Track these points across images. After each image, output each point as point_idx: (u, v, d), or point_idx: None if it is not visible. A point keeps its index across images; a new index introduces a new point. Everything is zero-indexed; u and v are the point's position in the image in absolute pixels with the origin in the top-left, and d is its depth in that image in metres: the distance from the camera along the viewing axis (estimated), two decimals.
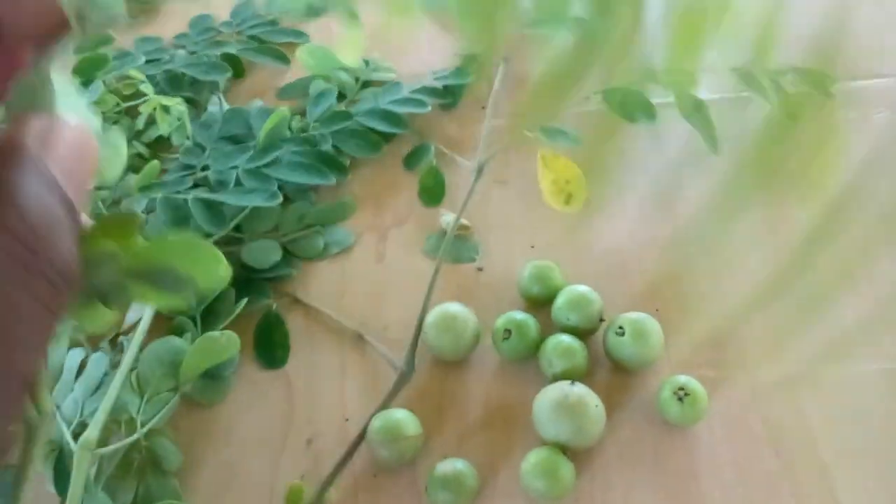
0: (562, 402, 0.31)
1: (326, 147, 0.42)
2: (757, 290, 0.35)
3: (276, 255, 0.38)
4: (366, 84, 0.47)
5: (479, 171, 0.39)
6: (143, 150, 0.44)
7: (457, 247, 0.39)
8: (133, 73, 0.45)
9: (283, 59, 0.49)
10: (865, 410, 0.32)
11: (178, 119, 0.42)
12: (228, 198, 0.38)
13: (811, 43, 0.41)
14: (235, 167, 0.40)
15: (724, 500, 0.31)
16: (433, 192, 0.42)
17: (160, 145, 0.44)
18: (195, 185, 0.40)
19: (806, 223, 0.38)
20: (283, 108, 0.42)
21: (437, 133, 0.45)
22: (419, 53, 0.49)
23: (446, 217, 0.40)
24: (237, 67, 0.49)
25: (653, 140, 0.43)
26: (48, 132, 0.18)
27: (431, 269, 0.37)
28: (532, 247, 0.39)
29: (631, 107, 0.35)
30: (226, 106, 0.45)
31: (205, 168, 0.41)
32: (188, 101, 0.45)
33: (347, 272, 0.39)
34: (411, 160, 0.43)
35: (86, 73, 0.44)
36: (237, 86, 0.49)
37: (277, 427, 0.34)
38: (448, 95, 0.46)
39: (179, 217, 0.38)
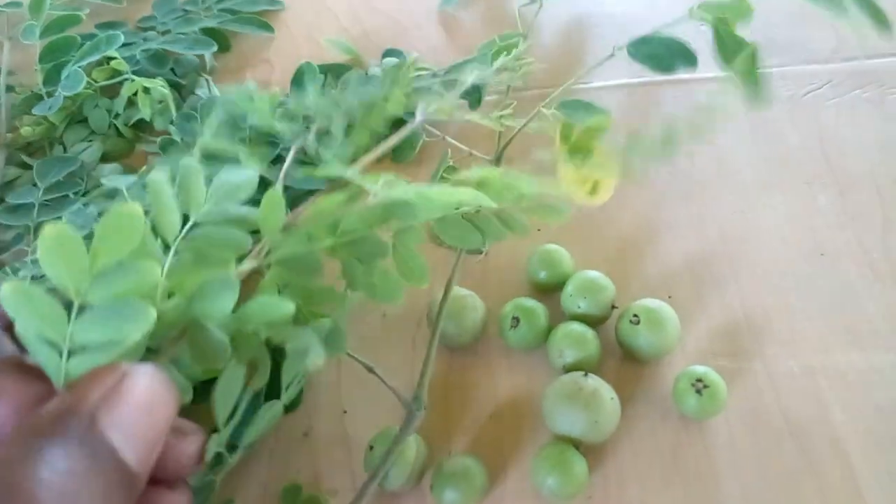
0: (576, 395, 0.29)
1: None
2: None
3: None
4: None
5: (498, 161, 0.36)
6: (125, 131, 0.41)
7: (462, 232, 0.37)
8: (111, 52, 0.41)
9: (267, 27, 0.47)
10: (891, 402, 0.31)
11: (160, 101, 0.40)
12: None
13: None
14: None
15: (745, 498, 0.29)
16: None
17: (141, 128, 0.42)
18: None
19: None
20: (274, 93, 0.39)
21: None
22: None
23: None
24: (221, 41, 0.46)
25: (659, 116, 0.41)
26: (114, 391, 0.18)
27: (433, 253, 0.35)
28: (539, 230, 0.37)
29: (666, 56, 0.31)
30: (214, 90, 0.43)
31: None
32: (172, 84, 0.42)
33: None
34: (403, 151, 0.40)
35: (54, 57, 0.40)
36: (224, 61, 0.46)
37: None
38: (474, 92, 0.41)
39: None
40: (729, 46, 0.29)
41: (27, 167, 0.40)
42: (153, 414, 0.18)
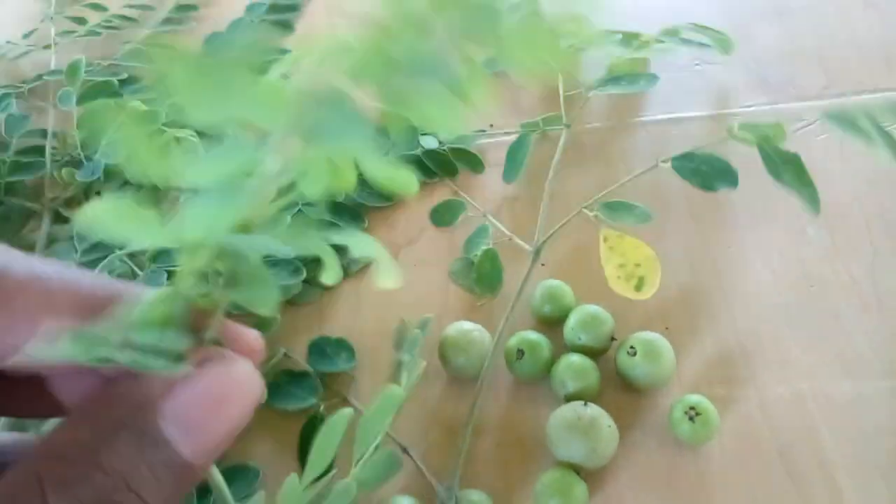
0: (575, 423, 0.31)
1: (340, 197, 0.41)
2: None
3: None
4: None
5: (538, 253, 0.36)
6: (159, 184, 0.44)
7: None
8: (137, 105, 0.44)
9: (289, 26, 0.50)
10: (877, 428, 0.33)
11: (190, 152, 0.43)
12: None
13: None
14: None
15: None
16: (490, 281, 0.38)
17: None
18: None
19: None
20: None
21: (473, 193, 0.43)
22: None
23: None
24: None
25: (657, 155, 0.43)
26: (179, 382, 0.17)
27: (444, 288, 0.37)
28: (543, 265, 0.39)
29: (709, 174, 0.33)
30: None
31: None
32: (200, 134, 0.45)
33: (362, 292, 0.39)
34: (442, 216, 0.41)
35: (92, 121, 0.43)
36: None
37: None
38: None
39: None
40: (776, 162, 0.31)
41: (65, 220, 0.43)
42: (221, 407, 0.17)
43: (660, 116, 0.45)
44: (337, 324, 0.38)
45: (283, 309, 0.39)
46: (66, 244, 0.41)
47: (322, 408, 0.34)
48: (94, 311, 0.18)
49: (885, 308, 0.36)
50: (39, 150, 0.45)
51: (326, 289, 0.39)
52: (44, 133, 0.46)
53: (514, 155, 0.41)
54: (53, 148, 0.45)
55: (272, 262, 0.38)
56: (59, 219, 0.44)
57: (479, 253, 0.38)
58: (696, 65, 0.47)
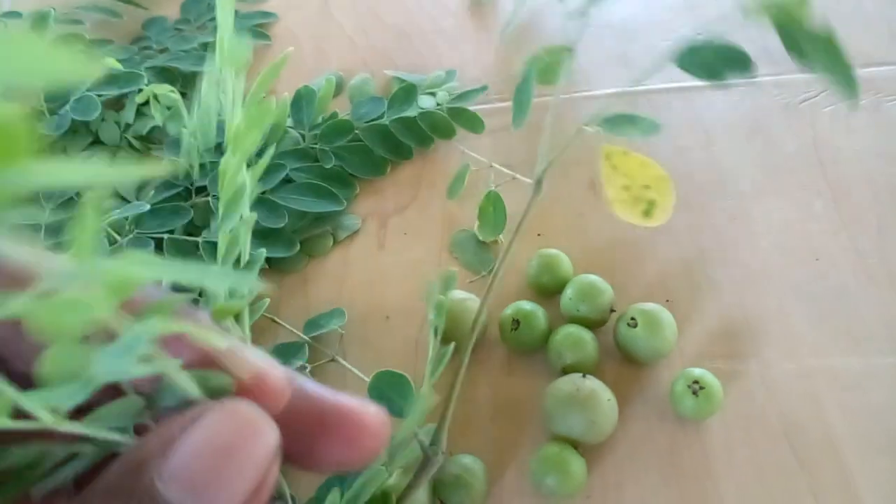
0: (574, 396, 0.30)
1: (329, 164, 0.39)
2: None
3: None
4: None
5: (539, 184, 0.32)
6: (136, 144, 0.42)
7: (478, 254, 0.37)
8: (113, 62, 0.42)
9: (264, 36, 0.48)
10: (884, 405, 0.31)
11: (168, 108, 0.40)
12: None
13: None
14: None
15: (741, 498, 0.30)
16: (495, 223, 0.35)
17: (150, 139, 0.43)
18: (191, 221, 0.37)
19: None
20: (283, 104, 0.40)
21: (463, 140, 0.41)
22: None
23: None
24: None
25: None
26: (176, 438, 0.15)
27: (433, 258, 0.36)
28: (539, 235, 0.38)
29: (716, 63, 0.27)
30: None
31: (201, 190, 0.38)
32: (182, 94, 0.43)
33: (350, 260, 0.37)
34: (456, 188, 0.37)
35: None
36: None
37: None
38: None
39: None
40: (801, 38, 0.24)
41: None
42: (228, 461, 0.15)
43: (661, 85, 0.43)
44: (323, 291, 0.36)
45: (269, 276, 0.37)
46: (33, 203, 0.38)
47: (309, 370, 0.33)
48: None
49: (893, 282, 0.35)
50: None
51: (313, 256, 0.38)
52: None
53: (521, 96, 0.38)
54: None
55: (265, 231, 0.36)
56: None
57: (483, 197, 0.36)
58: (699, 34, 0.45)
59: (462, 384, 0.33)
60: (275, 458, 0.16)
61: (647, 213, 0.27)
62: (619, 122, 0.28)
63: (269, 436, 0.16)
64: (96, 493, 0.15)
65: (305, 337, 0.34)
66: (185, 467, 0.15)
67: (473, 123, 0.41)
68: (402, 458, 0.26)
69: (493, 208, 0.35)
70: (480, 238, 0.37)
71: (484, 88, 0.43)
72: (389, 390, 0.27)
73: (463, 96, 0.42)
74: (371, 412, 0.19)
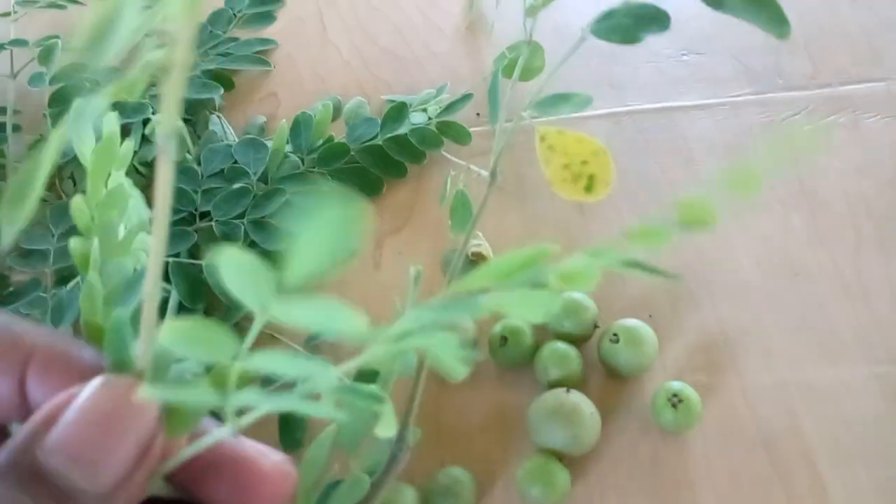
0: (557, 410, 0.31)
1: (327, 187, 0.41)
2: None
3: None
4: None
5: (493, 176, 0.33)
6: (141, 170, 0.44)
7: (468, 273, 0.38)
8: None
9: (264, 62, 0.49)
10: (858, 415, 0.33)
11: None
12: None
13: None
14: (241, 217, 0.39)
15: None
16: (462, 218, 0.36)
17: (154, 165, 0.44)
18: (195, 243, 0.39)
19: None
20: (283, 131, 0.42)
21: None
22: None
23: (474, 241, 0.39)
24: (224, 82, 0.48)
25: (643, 143, 0.43)
26: (55, 412, 0.16)
27: (428, 277, 0.37)
28: None
29: (632, 25, 0.27)
30: (227, 125, 0.45)
31: (205, 215, 0.40)
32: (185, 121, 0.45)
33: (346, 280, 0.39)
34: (444, 194, 0.39)
35: (64, 102, 0.43)
36: (229, 97, 0.49)
37: None
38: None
39: (195, 286, 0.37)
40: None
41: (43, 200, 0.42)
42: (109, 427, 0.16)
43: (645, 106, 0.45)
44: None
45: None
46: (41, 227, 0.40)
47: None
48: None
49: (868, 296, 0.36)
50: None
51: None
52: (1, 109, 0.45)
53: (492, 93, 0.39)
54: (16, 125, 0.45)
55: (263, 253, 0.38)
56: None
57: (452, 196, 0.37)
58: (683, 55, 0.47)
59: (451, 397, 0.35)
60: (157, 428, 0.17)
61: (589, 187, 0.27)
62: (553, 102, 0.29)
63: (147, 406, 0.17)
64: None
65: (302, 350, 0.36)
66: (65, 438, 0.16)
67: (460, 135, 0.43)
68: (366, 457, 0.26)
69: (461, 206, 0.36)
70: (451, 234, 0.37)
71: (469, 97, 0.44)
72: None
73: (450, 107, 0.43)
74: (271, 461, 0.19)
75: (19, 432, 0.17)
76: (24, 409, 0.18)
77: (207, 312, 0.38)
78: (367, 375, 0.31)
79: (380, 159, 0.42)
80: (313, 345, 0.37)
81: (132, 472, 0.17)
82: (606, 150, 0.27)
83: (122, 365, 0.18)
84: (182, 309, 0.37)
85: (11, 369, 0.18)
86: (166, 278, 0.37)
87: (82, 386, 0.17)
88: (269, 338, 0.37)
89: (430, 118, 0.43)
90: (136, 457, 0.17)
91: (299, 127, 0.43)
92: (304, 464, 0.27)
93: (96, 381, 0.17)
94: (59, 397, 0.17)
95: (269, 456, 0.19)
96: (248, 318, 0.37)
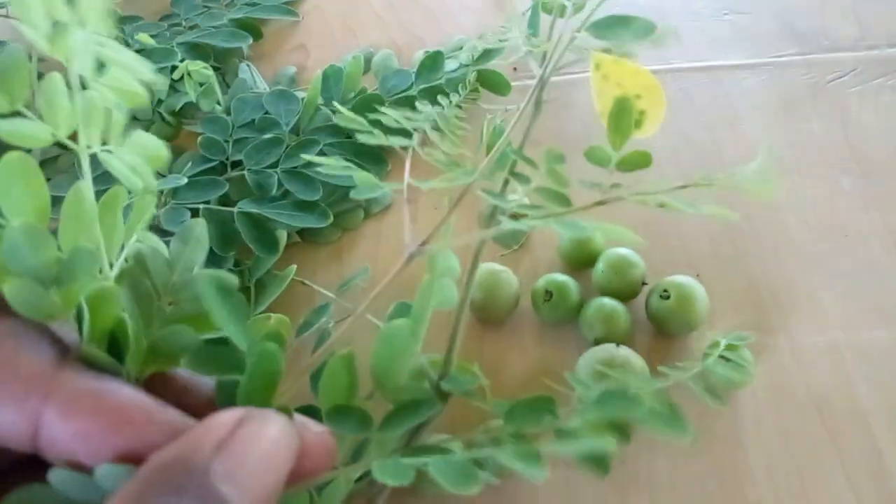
0: (607, 364, 0.30)
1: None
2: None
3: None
4: None
5: (538, 105, 0.29)
6: (168, 119, 0.42)
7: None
8: (143, 38, 0.43)
9: (292, 13, 0.48)
10: None
11: (201, 84, 0.41)
12: (279, 215, 0.36)
13: None
14: (274, 166, 0.38)
15: (770, 468, 0.30)
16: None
17: (182, 114, 0.43)
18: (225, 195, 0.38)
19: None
20: (317, 81, 0.40)
21: None
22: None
23: (513, 196, 0.38)
24: (253, 31, 0.47)
25: (687, 103, 0.42)
26: (230, 439, 0.17)
27: (466, 231, 0.36)
28: None
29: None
30: (257, 74, 0.44)
31: (236, 164, 0.39)
32: (214, 69, 0.43)
33: (383, 232, 0.38)
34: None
35: None
36: (257, 48, 0.47)
37: None
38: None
39: (226, 233, 0.36)
40: None
41: (64, 147, 0.41)
42: (271, 463, 0.18)
43: (688, 64, 0.43)
44: (358, 262, 0.37)
45: (304, 249, 0.37)
46: (68, 175, 0.39)
47: (332, 324, 0.33)
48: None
49: None
50: None
51: (346, 229, 0.38)
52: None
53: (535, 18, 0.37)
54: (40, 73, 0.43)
55: (299, 203, 0.37)
56: (60, 146, 0.42)
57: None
58: (725, 14, 0.45)
59: (493, 352, 0.34)
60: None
61: (639, 123, 0.26)
62: (610, 25, 0.26)
63: (294, 444, 0.19)
64: (144, 477, 0.16)
65: (332, 295, 0.35)
66: (235, 470, 0.17)
67: (499, 84, 0.41)
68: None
69: (498, 141, 0.33)
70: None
71: (505, 45, 0.42)
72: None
73: (486, 54, 0.42)
74: (313, 432, 0.20)
75: (177, 445, 0.17)
76: (32, 441, 0.18)
77: (237, 262, 0.36)
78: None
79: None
80: (344, 290, 0.35)
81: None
82: (660, 86, 0.26)
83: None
84: (212, 256, 0.36)
85: (25, 404, 0.18)
86: None
87: (244, 411, 0.18)
88: (300, 285, 0.36)
89: (463, 63, 0.42)
90: (281, 484, 0.18)
91: (329, 80, 0.42)
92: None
93: (261, 412, 0.18)
94: (222, 419, 0.18)
95: (310, 427, 0.20)
96: (279, 266, 0.36)
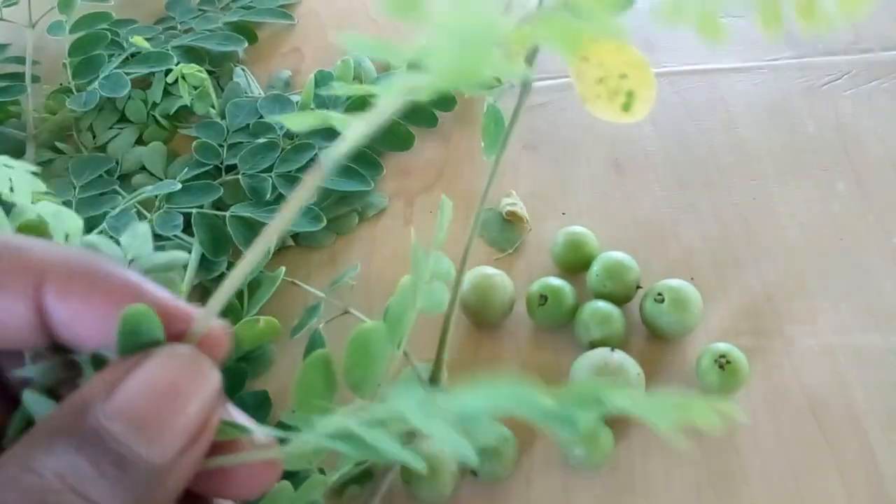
0: (602, 368, 0.30)
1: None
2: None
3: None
4: None
5: (527, 85, 0.27)
6: (163, 122, 0.42)
7: (503, 232, 0.37)
8: (138, 40, 0.42)
9: (287, 16, 0.48)
10: None
11: (195, 88, 0.41)
12: (272, 219, 0.36)
13: None
14: (269, 170, 0.38)
15: (765, 471, 0.30)
16: (495, 134, 0.31)
17: (177, 117, 0.43)
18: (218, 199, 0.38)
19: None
20: (311, 85, 0.40)
21: None
22: None
23: (508, 200, 0.38)
24: (248, 35, 0.46)
25: (681, 105, 0.42)
26: (121, 379, 0.16)
27: (460, 237, 0.36)
28: (563, 213, 0.38)
29: None
30: (251, 78, 0.44)
31: (231, 169, 0.39)
32: (209, 73, 0.43)
33: (377, 236, 0.38)
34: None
35: (84, 52, 0.42)
36: (252, 52, 0.47)
37: None
38: None
39: (218, 237, 0.36)
40: None
41: (59, 151, 0.41)
42: (172, 401, 0.16)
43: (683, 67, 0.43)
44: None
45: (297, 253, 0.37)
46: (62, 179, 0.38)
47: (322, 325, 0.33)
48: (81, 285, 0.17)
49: None
50: (17, 76, 0.43)
51: (340, 234, 0.38)
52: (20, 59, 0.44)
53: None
54: (35, 76, 0.43)
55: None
56: (55, 150, 0.42)
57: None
58: (720, 17, 0.45)
59: (488, 357, 0.34)
60: (218, 400, 0.17)
61: (627, 105, 0.23)
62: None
63: (211, 377, 0.17)
64: (40, 433, 0.16)
65: (323, 294, 0.34)
66: (129, 405, 0.16)
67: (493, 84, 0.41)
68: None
69: (493, 122, 0.30)
70: (485, 157, 0.36)
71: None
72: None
73: None
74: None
75: (76, 393, 0.16)
76: (45, 331, 0.18)
77: (230, 265, 0.36)
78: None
79: (409, 110, 0.41)
80: (334, 289, 0.35)
81: (190, 447, 0.16)
82: (647, 62, 0.23)
83: None
84: (205, 261, 0.36)
85: (25, 291, 0.17)
86: (189, 230, 0.36)
87: (146, 353, 0.17)
88: (290, 285, 0.36)
89: None
90: (196, 430, 0.17)
91: (320, 84, 0.42)
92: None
93: (163, 350, 0.17)
94: (124, 362, 0.17)
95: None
96: (269, 268, 0.36)
